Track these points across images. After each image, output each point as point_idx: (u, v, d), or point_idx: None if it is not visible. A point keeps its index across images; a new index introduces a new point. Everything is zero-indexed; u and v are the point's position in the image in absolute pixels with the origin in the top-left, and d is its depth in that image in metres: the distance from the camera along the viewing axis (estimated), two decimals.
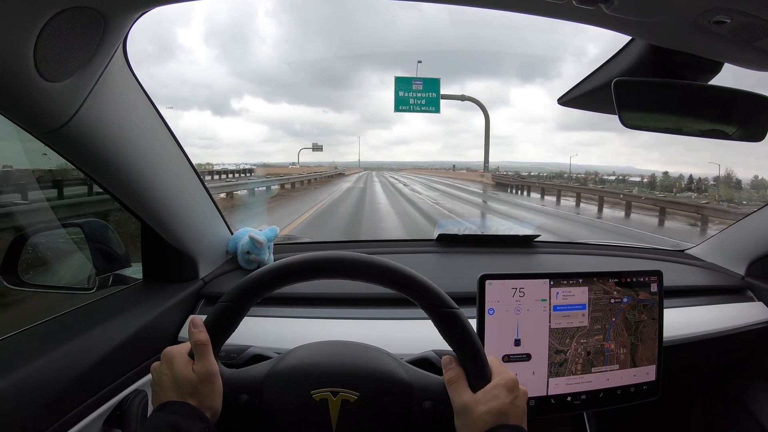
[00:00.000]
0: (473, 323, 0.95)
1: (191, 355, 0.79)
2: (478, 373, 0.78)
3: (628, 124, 0.94)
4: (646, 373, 1.16)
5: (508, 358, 1.08)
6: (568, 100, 1.09)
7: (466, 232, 1.84)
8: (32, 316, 1.05)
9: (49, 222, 1.41)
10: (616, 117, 0.95)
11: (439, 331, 0.79)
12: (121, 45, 0.89)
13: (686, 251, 1.87)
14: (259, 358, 0.94)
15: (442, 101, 19.79)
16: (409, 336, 1.17)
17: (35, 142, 0.88)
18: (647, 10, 0.73)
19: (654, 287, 1.17)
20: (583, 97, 1.06)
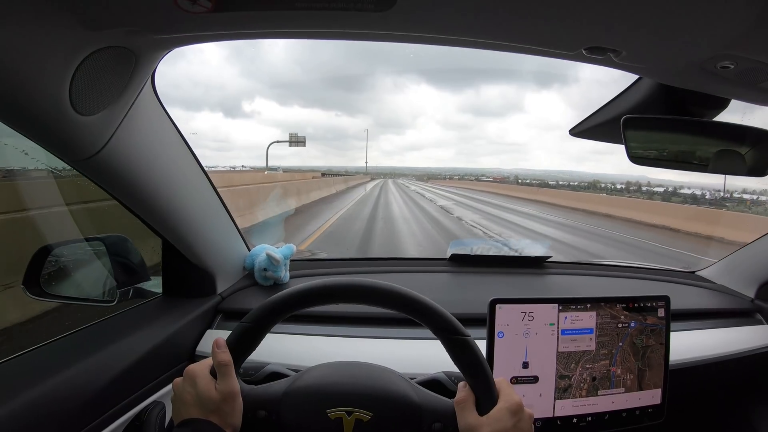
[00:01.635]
0: (483, 345, 0.97)
1: (213, 373, 0.82)
2: (485, 396, 0.80)
3: (636, 160, 0.96)
4: (652, 397, 1.17)
5: (516, 380, 1.10)
6: (580, 131, 1.11)
7: (479, 252, 1.84)
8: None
9: (71, 236, 1.44)
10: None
11: (450, 356, 0.82)
12: (149, 78, 0.93)
13: (696, 273, 1.87)
14: (276, 375, 0.97)
15: None
16: (420, 356, 1.19)
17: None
18: (653, 59, 0.76)
19: (661, 312, 1.19)
20: (593, 129, 1.09)
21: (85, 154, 0.86)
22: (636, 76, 0.96)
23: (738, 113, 1.01)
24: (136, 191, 1.03)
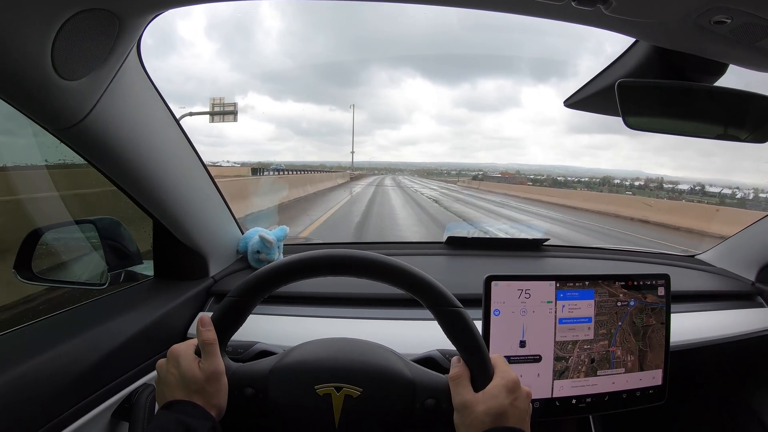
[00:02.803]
0: (479, 324, 0.96)
1: (197, 352, 0.80)
2: (480, 372, 0.78)
3: (632, 125, 0.94)
4: (652, 378, 1.16)
5: (513, 360, 1.08)
6: (574, 102, 1.09)
7: (476, 235, 1.83)
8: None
9: (62, 218, 1.44)
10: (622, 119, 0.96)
11: (443, 330, 0.80)
12: (135, 46, 0.91)
13: (696, 256, 1.86)
14: (266, 353, 0.95)
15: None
16: (414, 336, 1.17)
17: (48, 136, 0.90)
18: (646, 11, 0.74)
19: (661, 291, 1.17)
20: (589, 99, 1.07)
21: (69, 121, 0.85)
22: (631, 42, 0.94)
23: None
24: (122, 164, 1.01)
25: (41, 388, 0.83)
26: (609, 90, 0.93)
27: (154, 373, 1.07)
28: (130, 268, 1.32)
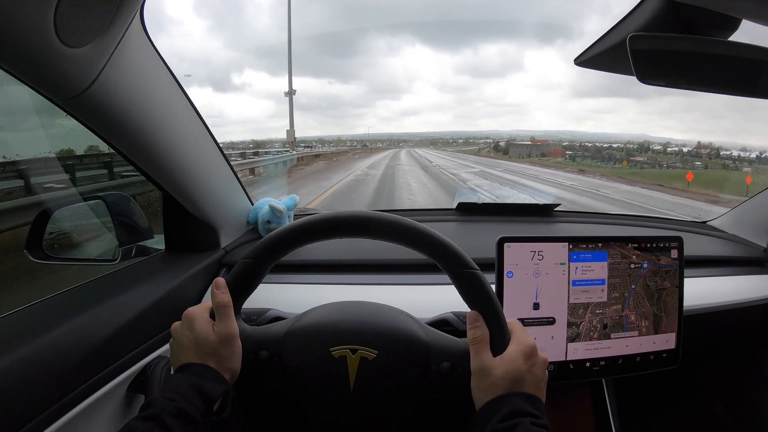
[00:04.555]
0: (492, 287, 0.96)
1: (212, 316, 0.81)
2: (497, 335, 0.78)
3: (645, 80, 0.92)
4: (666, 341, 1.15)
5: (527, 322, 1.07)
6: (585, 60, 1.07)
7: (486, 201, 1.82)
8: None
9: (71, 196, 1.44)
10: (634, 79, 0.93)
11: (459, 292, 0.80)
12: (138, 13, 0.90)
13: (708, 222, 1.85)
14: (279, 319, 0.95)
15: None
16: (427, 301, 1.17)
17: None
18: None
19: (674, 253, 1.16)
20: (600, 56, 1.04)
21: (73, 90, 0.84)
22: None
23: None
24: (129, 133, 1.00)
25: (55, 363, 0.83)
26: (621, 46, 0.91)
27: (168, 346, 1.09)
28: (141, 243, 1.32)
